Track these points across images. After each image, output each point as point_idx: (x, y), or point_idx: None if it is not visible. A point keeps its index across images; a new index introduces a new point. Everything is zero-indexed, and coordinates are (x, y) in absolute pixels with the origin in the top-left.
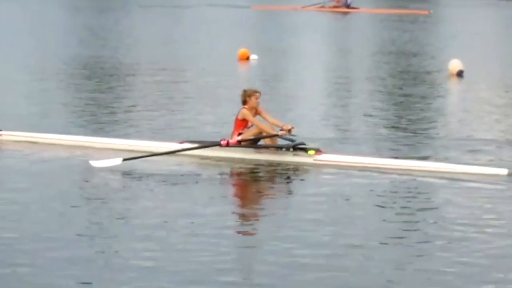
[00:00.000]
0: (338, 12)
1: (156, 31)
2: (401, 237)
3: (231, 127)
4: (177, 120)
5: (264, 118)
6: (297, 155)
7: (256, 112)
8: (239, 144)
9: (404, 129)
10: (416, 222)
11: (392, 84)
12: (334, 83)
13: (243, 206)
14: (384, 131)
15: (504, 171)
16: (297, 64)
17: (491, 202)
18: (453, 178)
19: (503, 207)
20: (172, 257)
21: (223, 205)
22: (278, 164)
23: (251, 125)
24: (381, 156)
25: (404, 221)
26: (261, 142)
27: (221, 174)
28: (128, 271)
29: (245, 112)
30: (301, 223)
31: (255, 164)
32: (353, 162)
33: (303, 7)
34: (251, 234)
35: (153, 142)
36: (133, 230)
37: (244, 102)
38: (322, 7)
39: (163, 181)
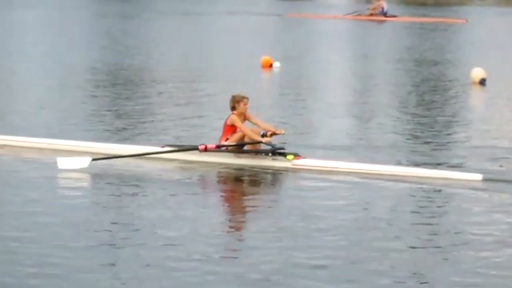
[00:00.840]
0: (375, 21)
1: (178, 38)
2: (374, 239)
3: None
4: (196, 127)
5: (254, 123)
6: (276, 159)
7: (245, 118)
8: (217, 149)
9: (421, 137)
10: (390, 225)
11: (412, 91)
12: (355, 91)
13: (218, 210)
14: (399, 138)
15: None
16: (320, 72)
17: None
18: (431, 183)
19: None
20: (147, 263)
21: (198, 209)
22: (258, 168)
23: (239, 130)
24: (362, 161)
25: (377, 224)
26: (247, 146)
27: (199, 178)
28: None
29: (234, 118)
30: (274, 228)
31: (235, 169)
32: (331, 167)
33: (340, 16)
34: (225, 238)
35: (134, 146)
36: (114, 237)
37: (233, 108)
38: (359, 15)
39: (140, 185)
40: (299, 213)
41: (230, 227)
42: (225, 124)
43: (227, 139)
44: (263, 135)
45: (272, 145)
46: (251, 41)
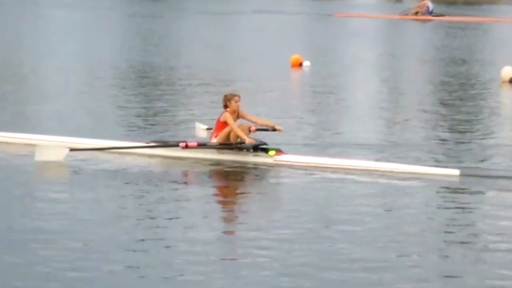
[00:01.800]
0: (421, 20)
1: (207, 37)
2: (352, 233)
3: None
4: None
5: (249, 120)
6: (258, 155)
7: (238, 116)
8: (198, 146)
9: (446, 136)
10: (368, 219)
11: (441, 90)
12: (385, 90)
13: (197, 204)
14: (423, 137)
15: None
16: (350, 71)
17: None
18: (408, 178)
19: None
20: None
21: (177, 204)
22: (240, 164)
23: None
24: (344, 157)
25: (356, 218)
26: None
27: (181, 173)
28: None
29: (227, 115)
30: (250, 221)
31: (217, 164)
32: (312, 163)
33: (387, 16)
34: (204, 233)
35: (119, 142)
36: (93, 230)
37: (226, 107)
38: (406, 14)
39: (122, 180)
40: (278, 207)
41: (209, 221)
42: (218, 121)
43: (216, 136)
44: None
45: (255, 140)
46: (281, 40)
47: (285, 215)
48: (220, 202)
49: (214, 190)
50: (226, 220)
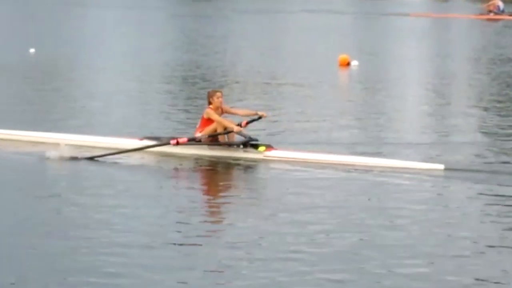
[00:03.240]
0: (492, 20)
1: (254, 36)
2: (342, 227)
3: (330, 131)
4: (273, 125)
5: (232, 113)
6: (247, 151)
7: (222, 111)
8: (188, 142)
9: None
10: (353, 215)
11: (484, 89)
12: (432, 90)
13: (188, 200)
14: (472, 136)
15: None
16: (398, 70)
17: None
18: (393, 172)
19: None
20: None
21: (168, 200)
22: (230, 160)
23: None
24: (333, 152)
25: (345, 213)
26: (221, 138)
27: (172, 170)
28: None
29: (209, 111)
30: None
31: (208, 160)
32: (300, 158)
33: (458, 16)
34: (195, 228)
35: (112, 138)
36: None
37: (210, 103)
38: (481, 14)
39: (114, 178)
40: (266, 202)
41: (200, 216)
42: (202, 118)
43: (201, 132)
44: (239, 125)
45: (245, 136)
46: (329, 40)
47: (272, 210)
48: (209, 197)
49: (203, 186)
50: (215, 215)
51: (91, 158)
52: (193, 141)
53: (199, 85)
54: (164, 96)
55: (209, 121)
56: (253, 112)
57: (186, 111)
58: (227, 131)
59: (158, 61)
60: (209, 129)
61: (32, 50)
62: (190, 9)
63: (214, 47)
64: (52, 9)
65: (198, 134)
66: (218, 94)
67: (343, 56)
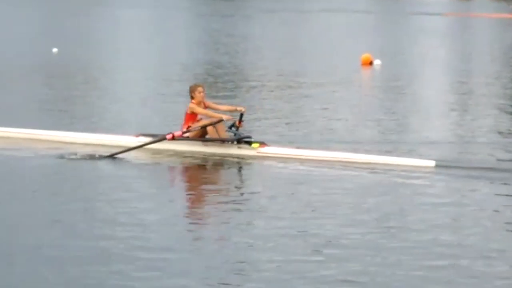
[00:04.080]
0: None
1: (276, 35)
2: (334, 224)
3: (345, 130)
4: (297, 124)
5: (215, 108)
6: (241, 148)
7: (205, 106)
8: (183, 135)
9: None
10: (347, 211)
11: (503, 91)
12: (452, 90)
13: (184, 197)
14: (488, 135)
15: None
16: (421, 69)
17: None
18: (384, 169)
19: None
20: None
21: (163, 196)
22: (224, 156)
23: (201, 118)
24: (327, 149)
25: (336, 210)
26: (212, 134)
27: (167, 166)
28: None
29: (192, 106)
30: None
31: (203, 157)
32: (293, 155)
33: (496, 15)
34: (189, 224)
35: (108, 136)
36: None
37: (192, 97)
38: None
39: (110, 174)
40: (260, 199)
41: (194, 213)
42: (186, 113)
43: (188, 127)
44: (232, 126)
45: (239, 134)
46: (352, 39)
47: (266, 207)
48: (203, 194)
49: (196, 183)
50: (209, 213)
51: (110, 156)
52: (187, 132)
53: (220, 84)
54: (185, 95)
55: (193, 115)
56: (233, 107)
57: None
58: (217, 121)
59: (180, 60)
60: (198, 124)
61: (55, 50)
62: (213, 8)
63: (236, 46)
64: (76, 9)
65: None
66: (200, 88)
67: (366, 55)
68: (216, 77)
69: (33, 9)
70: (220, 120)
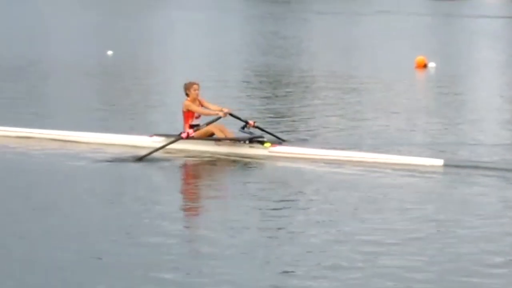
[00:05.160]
0: None
1: (330, 37)
2: (327, 225)
3: (394, 131)
4: (351, 128)
5: (207, 106)
6: (253, 147)
7: (200, 103)
8: (197, 131)
9: None
10: (355, 210)
11: None
12: (507, 94)
13: (196, 195)
14: None
15: None
16: (476, 73)
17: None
18: (393, 168)
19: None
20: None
21: (176, 193)
22: (236, 155)
23: (199, 115)
24: (336, 148)
25: (347, 209)
26: (218, 133)
27: (180, 165)
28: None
29: (187, 103)
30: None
31: (215, 156)
32: (305, 154)
33: None
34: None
35: (123, 136)
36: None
37: (187, 95)
38: None
39: (126, 175)
40: (272, 196)
41: (205, 210)
42: (183, 112)
43: (191, 126)
44: (245, 126)
45: (251, 133)
46: (406, 41)
47: (283, 206)
48: (211, 192)
49: (209, 181)
50: (222, 211)
51: (140, 159)
52: (197, 126)
53: (275, 86)
54: (241, 98)
55: (190, 112)
56: (219, 108)
57: (264, 111)
58: (216, 118)
59: (235, 62)
60: (202, 127)
61: (109, 52)
62: (267, 10)
63: (290, 49)
64: (133, 11)
65: (188, 130)
66: (195, 86)
67: (420, 58)
68: (270, 79)
69: (90, 12)
70: (219, 118)
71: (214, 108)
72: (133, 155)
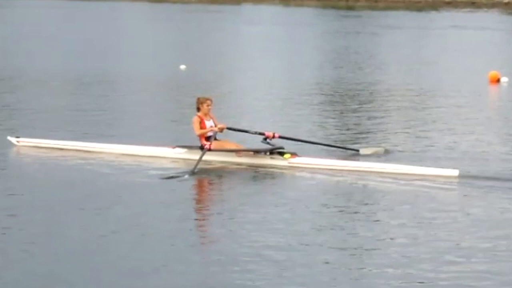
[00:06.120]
0: None
1: (402, 52)
2: (348, 236)
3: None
4: (425, 142)
5: (215, 123)
6: (274, 158)
7: (212, 119)
8: (212, 144)
9: None
10: (375, 221)
11: None
12: None
13: (217, 203)
14: None
15: None
16: None
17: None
18: (408, 179)
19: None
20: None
21: (197, 204)
22: (256, 166)
23: (213, 126)
24: (352, 159)
25: (359, 220)
26: (217, 147)
27: (204, 175)
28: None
29: (193, 119)
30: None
31: (235, 166)
32: (323, 165)
33: None
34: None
35: (147, 147)
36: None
37: (198, 109)
38: None
39: (146, 183)
40: (291, 205)
41: (228, 219)
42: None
43: (207, 138)
44: (266, 138)
45: (272, 145)
46: (479, 56)
47: (304, 216)
48: (234, 202)
49: (229, 192)
50: (246, 220)
51: (192, 173)
52: (213, 137)
53: (346, 102)
54: (312, 114)
55: (203, 125)
56: (216, 123)
57: (338, 126)
58: (214, 133)
59: (307, 77)
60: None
61: (182, 67)
62: (339, 25)
63: (362, 63)
64: (207, 26)
65: (206, 144)
66: (208, 102)
67: (493, 73)
68: (342, 94)
69: (164, 27)
70: (217, 132)
71: (217, 123)
72: (183, 169)
